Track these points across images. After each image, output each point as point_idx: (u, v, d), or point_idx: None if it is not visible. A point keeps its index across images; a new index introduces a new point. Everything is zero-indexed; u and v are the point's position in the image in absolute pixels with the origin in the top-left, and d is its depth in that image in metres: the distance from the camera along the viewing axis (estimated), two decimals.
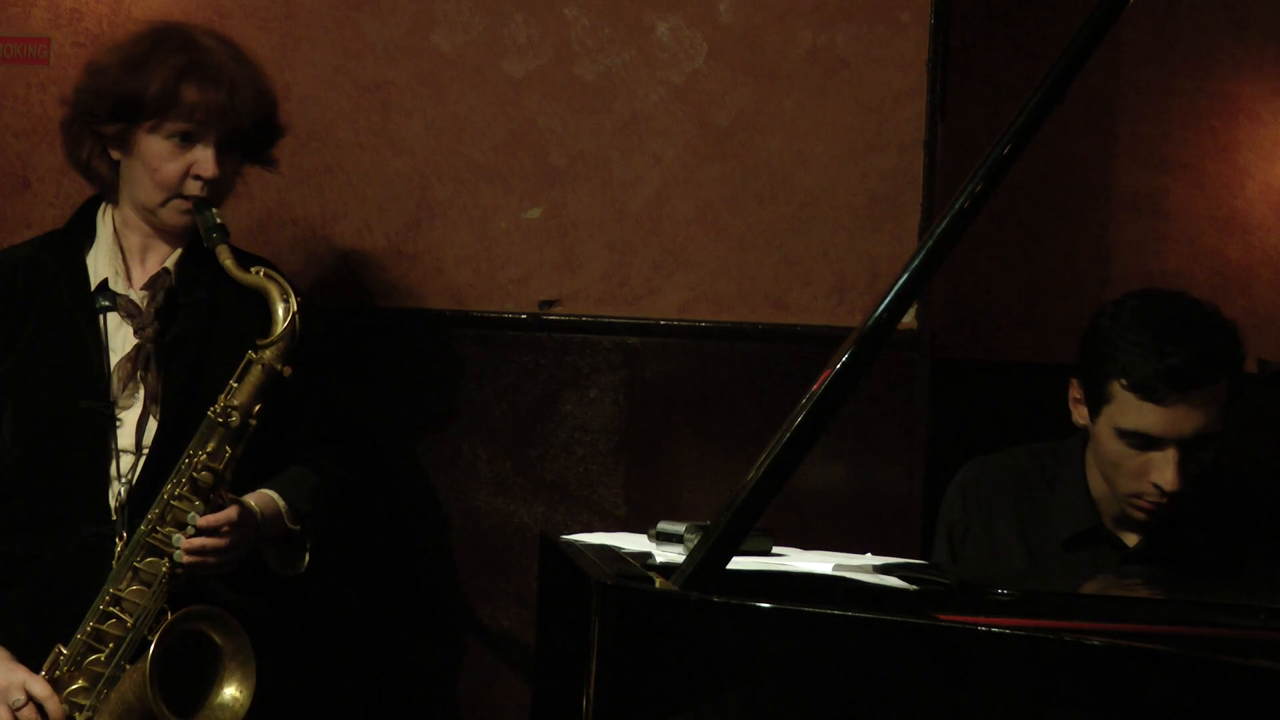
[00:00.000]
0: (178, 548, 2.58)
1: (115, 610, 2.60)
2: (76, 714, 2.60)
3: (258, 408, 2.66)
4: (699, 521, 2.27)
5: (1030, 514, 2.81)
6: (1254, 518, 2.80)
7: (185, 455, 2.62)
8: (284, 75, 3.26)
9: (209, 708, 2.58)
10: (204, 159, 2.73)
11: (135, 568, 2.60)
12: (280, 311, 2.68)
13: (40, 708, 2.57)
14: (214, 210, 2.73)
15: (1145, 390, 2.58)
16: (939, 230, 2.02)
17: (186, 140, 2.73)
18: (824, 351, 2.08)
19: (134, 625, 2.60)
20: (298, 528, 2.78)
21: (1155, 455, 2.61)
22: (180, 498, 2.60)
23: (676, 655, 1.90)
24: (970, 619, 1.92)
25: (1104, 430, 2.66)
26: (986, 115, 3.71)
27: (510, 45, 3.26)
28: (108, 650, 2.60)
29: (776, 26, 3.20)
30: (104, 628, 2.60)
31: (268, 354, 2.66)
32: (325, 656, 3.27)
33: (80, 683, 2.60)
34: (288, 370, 2.67)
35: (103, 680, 2.59)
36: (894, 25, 3.17)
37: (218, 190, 2.77)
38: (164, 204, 2.75)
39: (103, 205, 2.84)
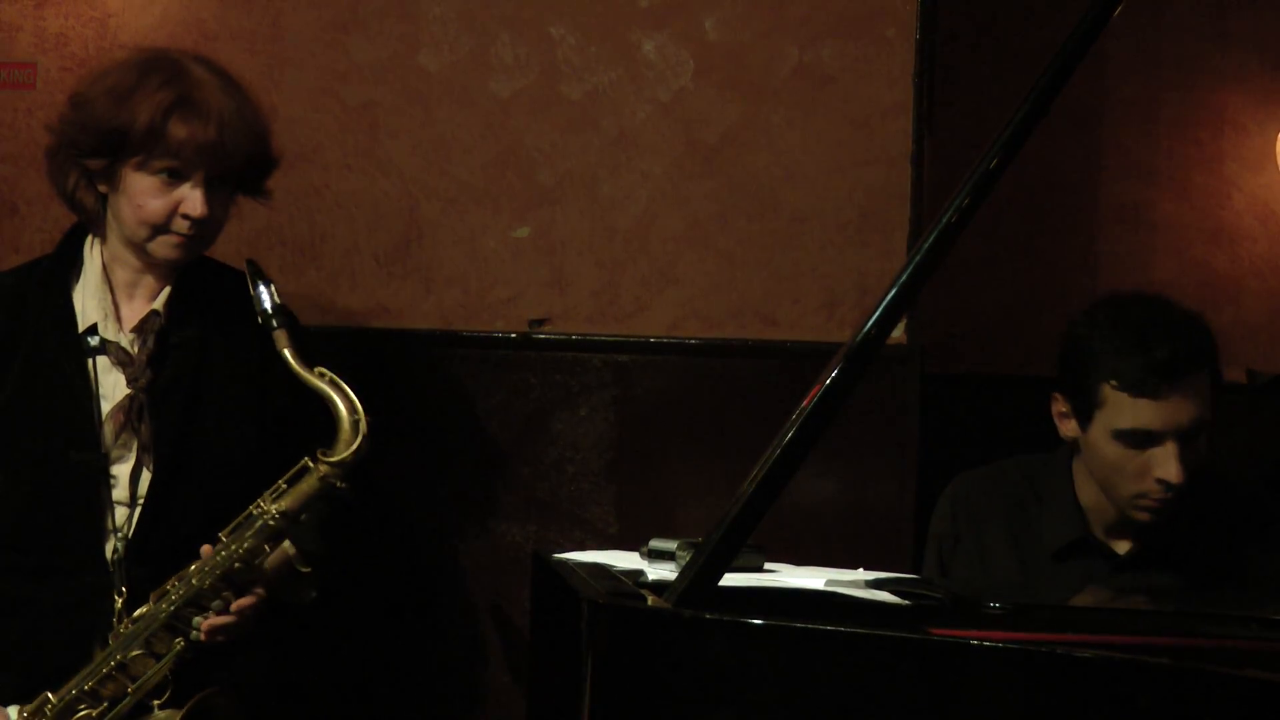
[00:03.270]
0: (197, 629, 2.53)
1: (118, 674, 2.55)
2: None
3: (304, 516, 2.58)
4: (691, 538, 2.27)
5: (1021, 526, 2.82)
6: (1243, 523, 2.80)
7: (220, 542, 2.55)
8: (271, 97, 3.26)
9: None
10: (192, 198, 2.62)
11: (148, 637, 2.54)
12: (347, 427, 2.55)
13: None
14: (273, 287, 2.62)
15: (1138, 387, 2.61)
16: (927, 244, 2.03)
17: (174, 177, 2.62)
18: (814, 367, 2.08)
19: (134, 690, 2.55)
20: (308, 570, 2.73)
21: (1156, 451, 2.64)
22: (210, 586, 2.54)
23: (669, 672, 1.90)
24: (963, 633, 1.92)
25: (1099, 437, 2.67)
26: (973, 129, 3.71)
27: (497, 65, 3.26)
28: (100, 709, 2.55)
29: (763, 43, 3.21)
30: (103, 687, 2.55)
31: (325, 469, 2.55)
32: (316, 677, 3.26)
33: None
34: (345, 487, 2.57)
35: None
36: (880, 41, 3.17)
37: (207, 229, 2.68)
38: (150, 239, 2.65)
39: (89, 238, 2.75)
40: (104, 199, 2.70)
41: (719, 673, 1.89)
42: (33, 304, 2.71)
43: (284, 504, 2.56)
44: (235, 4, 3.29)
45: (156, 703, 2.55)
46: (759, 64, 3.21)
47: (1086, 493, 2.77)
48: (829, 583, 2.31)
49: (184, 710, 2.53)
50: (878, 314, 2.01)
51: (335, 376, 2.59)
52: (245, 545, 2.55)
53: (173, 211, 2.64)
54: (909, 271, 2.03)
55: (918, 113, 3.17)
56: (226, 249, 2.91)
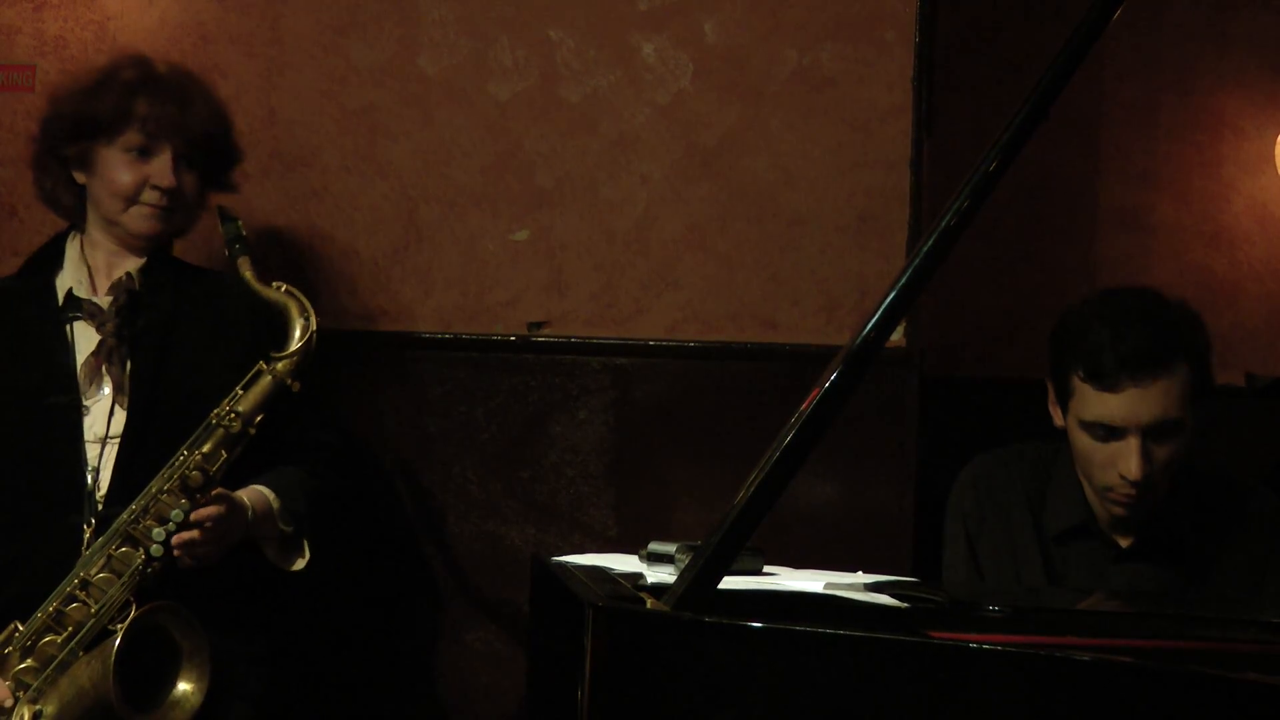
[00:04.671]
0: (156, 541, 2.61)
1: (81, 595, 2.61)
2: (20, 691, 2.59)
3: (260, 417, 2.74)
4: (690, 541, 2.27)
5: (1037, 506, 2.83)
6: (1243, 516, 2.80)
7: (179, 453, 2.67)
8: (270, 100, 3.26)
9: (164, 704, 2.57)
10: (160, 169, 2.83)
11: (109, 555, 2.61)
12: (298, 328, 2.79)
13: None
14: (239, 223, 2.86)
15: (1099, 379, 2.62)
16: (926, 247, 2.03)
17: (143, 154, 2.84)
18: (813, 370, 2.08)
19: (97, 612, 2.61)
20: (290, 529, 2.81)
21: (1119, 445, 2.64)
22: (168, 493, 2.64)
23: (668, 676, 1.90)
24: (962, 636, 1.92)
25: (1072, 425, 2.70)
26: (972, 132, 3.71)
27: (496, 68, 3.26)
28: (65, 634, 2.61)
29: (762, 46, 3.21)
30: (66, 610, 2.61)
31: (280, 366, 2.76)
32: (316, 679, 3.26)
33: (29, 662, 2.60)
34: (297, 385, 2.77)
35: (55, 663, 2.59)
36: (879, 44, 3.18)
37: (177, 202, 2.86)
38: (125, 211, 2.84)
39: (70, 235, 2.93)
40: (82, 195, 2.90)
41: (718, 676, 1.89)
42: (17, 294, 2.90)
43: (241, 405, 2.72)
44: (234, 7, 3.30)
45: (119, 626, 2.57)
46: (758, 67, 3.21)
47: (1088, 483, 2.79)
48: (828, 586, 2.31)
49: (128, 620, 2.55)
50: (877, 317, 2.01)
51: (291, 288, 2.83)
52: (203, 450, 2.67)
53: (143, 184, 2.84)
54: (908, 274, 2.03)
55: (917, 116, 3.18)
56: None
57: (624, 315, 3.24)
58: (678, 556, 2.30)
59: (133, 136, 2.83)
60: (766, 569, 2.42)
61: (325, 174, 3.29)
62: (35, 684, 2.59)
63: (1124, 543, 2.78)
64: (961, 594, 2.34)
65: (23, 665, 2.60)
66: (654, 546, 2.40)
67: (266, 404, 2.75)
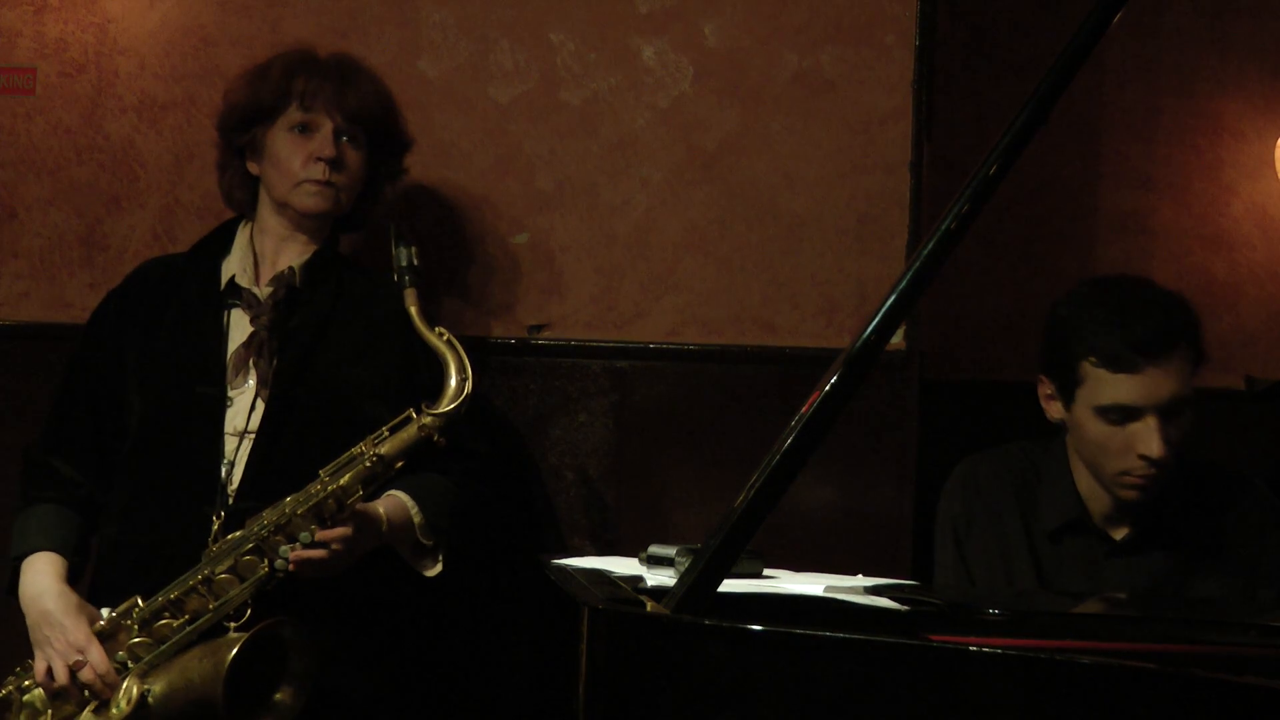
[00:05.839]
0: (282, 557, 2.64)
1: (203, 589, 2.67)
2: (131, 662, 2.68)
3: (400, 464, 2.73)
4: (690, 544, 2.27)
5: (1027, 505, 2.83)
6: (1238, 508, 2.81)
7: (320, 478, 2.68)
8: None
9: (263, 711, 2.66)
10: (322, 141, 2.88)
11: (237, 559, 2.65)
12: (454, 384, 2.74)
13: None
14: (414, 250, 2.84)
15: (1117, 363, 2.64)
16: (926, 251, 2.03)
17: (305, 130, 2.89)
18: (813, 373, 2.08)
19: (215, 608, 2.67)
20: (430, 543, 2.83)
21: (1137, 427, 2.66)
22: (302, 516, 2.65)
23: (668, 679, 1.90)
24: (961, 639, 1.92)
25: (1083, 414, 2.70)
26: (972, 136, 3.72)
27: (496, 71, 3.26)
28: (182, 620, 2.68)
29: (762, 49, 3.21)
30: (186, 599, 2.67)
31: (429, 420, 2.72)
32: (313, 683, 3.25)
33: (143, 638, 2.68)
34: (443, 442, 2.74)
35: (169, 644, 2.67)
36: (879, 47, 3.18)
37: (342, 177, 2.90)
38: (294, 189, 2.89)
39: (242, 223, 3.00)
40: (255, 186, 2.97)
41: (717, 679, 1.89)
42: (186, 272, 2.96)
43: (384, 449, 2.71)
44: (235, 9, 3.30)
45: (233, 625, 2.66)
46: (758, 70, 3.21)
47: (1083, 477, 2.79)
48: (828, 589, 2.31)
49: (252, 632, 2.63)
50: (877, 320, 2.01)
51: (453, 338, 2.79)
52: (341, 482, 2.68)
53: (307, 159, 2.89)
54: (908, 278, 2.03)
55: (917, 119, 3.18)
56: None
57: (624, 318, 3.24)
58: (678, 559, 2.30)
59: (294, 114, 2.89)
60: (766, 572, 2.42)
61: None
62: (147, 658, 2.68)
63: (1118, 535, 2.79)
64: (961, 597, 2.34)
65: (138, 639, 2.68)
66: (654, 549, 2.40)
67: (408, 452, 2.73)
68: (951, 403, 3.72)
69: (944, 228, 2.02)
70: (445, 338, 2.78)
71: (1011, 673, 1.84)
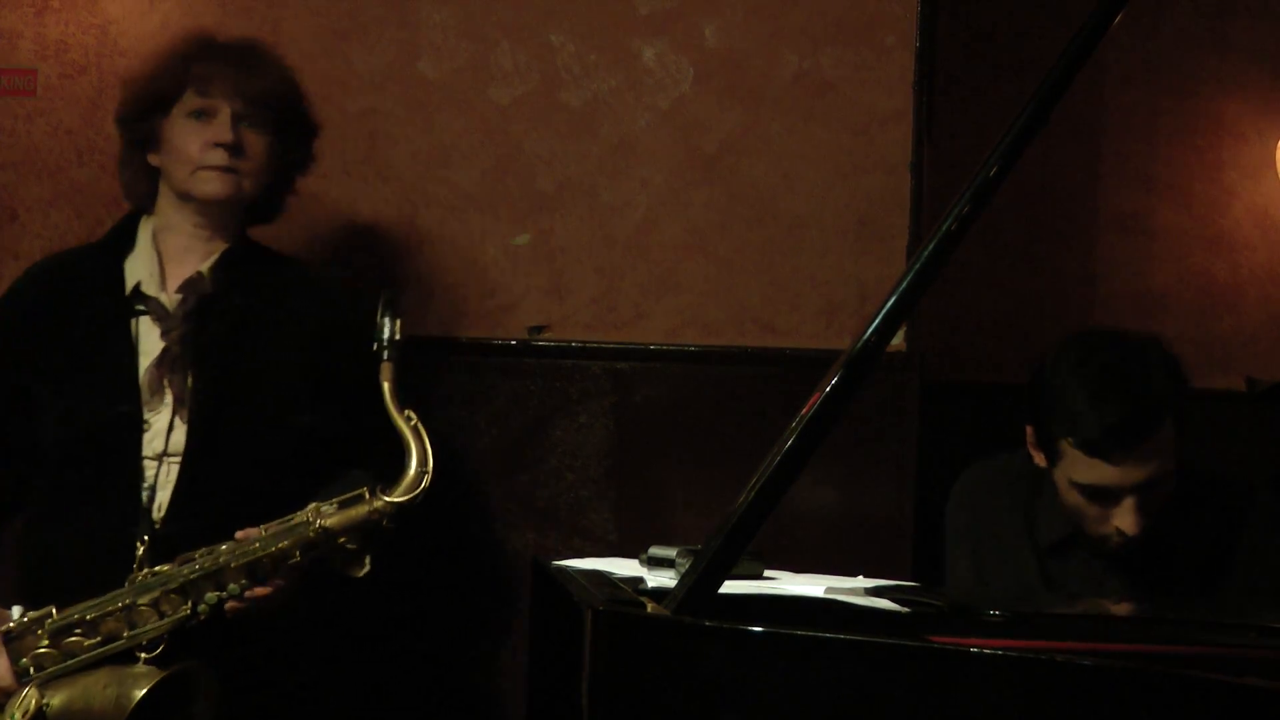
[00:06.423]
0: (207, 604, 2.58)
1: (121, 616, 2.59)
2: (34, 670, 2.60)
3: (343, 540, 2.62)
4: (690, 545, 2.27)
5: (1031, 515, 2.83)
6: (1238, 518, 2.80)
7: (259, 538, 2.60)
8: None
9: None
10: (220, 127, 2.77)
11: (160, 595, 2.58)
12: (413, 474, 2.62)
13: None
14: (399, 323, 2.69)
15: (1093, 450, 2.60)
16: (927, 252, 2.03)
17: (203, 116, 2.79)
18: (813, 374, 2.07)
19: (130, 636, 2.59)
20: (355, 546, 2.73)
21: (1113, 507, 2.64)
22: (234, 570, 2.58)
23: (668, 680, 1.90)
24: (962, 640, 1.92)
25: (1062, 481, 2.69)
26: (973, 137, 3.71)
27: (497, 72, 3.26)
28: (94, 640, 2.59)
29: (762, 50, 3.21)
30: (102, 621, 2.60)
31: (380, 505, 2.60)
32: (313, 686, 3.25)
33: (50, 649, 2.60)
34: (391, 529, 2.63)
35: (75, 660, 2.59)
36: (879, 48, 3.18)
37: (242, 163, 2.79)
38: (192, 175, 2.78)
39: (143, 217, 2.88)
40: (156, 177, 2.84)
41: (718, 680, 1.89)
42: (87, 275, 2.84)
43: (329, 522, 2.60)
44: (235, 11, 3.30)
45: (144, 655, 2.58)
46: (758, 71, 3.21)
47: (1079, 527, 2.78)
48: (829, 590, 2.31)
49: (165, 673, 2.55)
50: (877, 321, 2.01)
51: (420, 425, 2.66)
52: (280, 545, 2.60)
53: (204, 145, 2.78)
54: (909, 279, 2.03)
55: (917, 120, 3.18)
56: None
57: (624, 319, 3.24)
58: (678, 561, 2.30)
59: (191, 100, 2.80)
60: (767, 573, 2.42)
61: (325, 178, 3.29)
62: (50, 669, 2.59)
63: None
64: (962, 598, 2.34)
65: (45, 649, 2.61)
66: (654, 551, 2.40)
67: (353, 530, 2.62)
68: (952, 404, 3.72)
69: (944, 229, 2.02)
70: (413, 423, 2.65)
71: (1012, 674, 1.84)
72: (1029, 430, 2.76)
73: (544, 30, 3.25)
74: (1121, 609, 2.67)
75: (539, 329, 3.26)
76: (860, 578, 2.47)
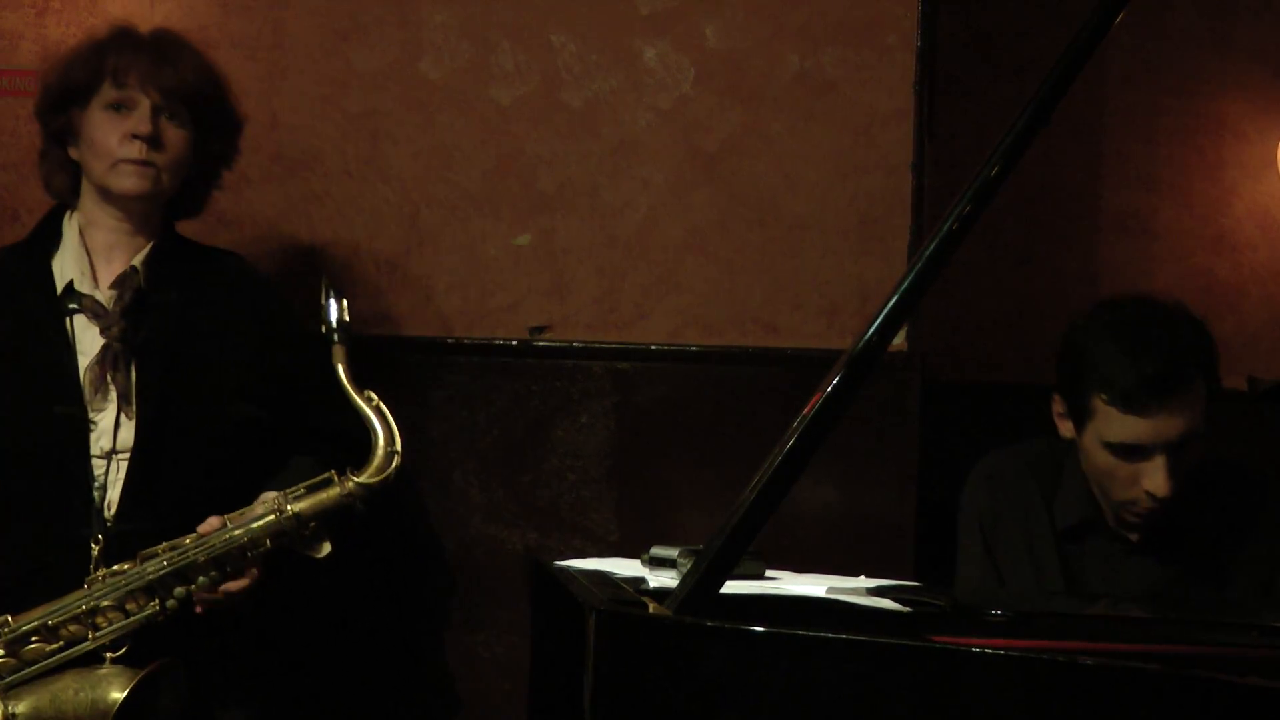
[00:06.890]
0: (176, 599, 2.57)
1: (84, 619, 2.57)
2: None
3: (314, 524, 2.63)
4: (692, 546, 2.27)
5: (1050, 501, 2.83)
6: (1254, 510, 2.81)
7: (224, 529, 2.60)
8: (272, 104, 3.26)
9: None
10: (139, 119, 2.73)
11: (126, 594, 2.57)
12: (381, 455, 2.65)
13: None
14: (345, 304, 2.70)
15: (1128, 403, 2.61)
16: (928, 252, 2.03)
17: (121, 108, 2.74)
18: (815, 374, 2.08)
19: (95, 639, 2.57)
20: (308, 531, 2.73)
21: (1145, 464, 2.64)
22: (202, 564, 2.58)
23: (670, 680, 1.90)
24: (964, 640, 1.92)
25: (1091, 443, 2.69)
26: (974, 137, 3.72)
27: (498, 72, 3.26)
28: (56, 645, 2.58)
29: (763, 50, 3.21)
30: (65, 626, 2.58)
31: (352, 486, 2.63)
32: (314, 684, 3.26)
33: (8, 658, 2.57)
34: (363, 509, 2.64)
35: (36, 667, 2.57)
36: (880, 48, 3.18)
37: (162, 157, 2.75)
38: (111, 169, 2.73)
39: (67, 213, 2.83)
40: (78, 173, 2.80)
41: (720, 680, 1.89)
42: (14, 275, 2.79)
43: (300, 506, 2.62)
44: (236, 11, 3.30)
45: (110, 655, 2.57)
46: (759, 71, 3.21)
47: (1105, 496, 2.79)
48: (830, 590, 2.31)
49: (141, 673, 2.53)
50: (879, 321, 2.01)
51: (381, 404, 2.67)
52: (248, 535, 2.60)
53: (123, 139, 2.73)
54: (910, 279, 2.03)
55: (918, 120, 3.18)
56: None
57: (625, 319, 3.24)
58: (680, 561, 2.30)
59: (108, 92, 2.74)
60: (768, 573, 2.42)
61: (326, 178, 3.29)
62: (10, 678, 2.57)
63: (1133, 537, 2.79)
64: (971, 590, 2.34)
65: (1, 659, 2.57)
66: (656, 551, 2.40)
67: (325, 515, 2.63)
68: (953, 403, 3.72)
69: (946, 229, 2.02)
70: (375, 404, 2.67)
71: (1014, 674, 1.84)
72: (1055, 400, 2.77)
73: (545, 30, 3.25)
74: (1125, 603, 2.68)
75: (540, 329, 3.26)
76: (862, 577, 2.47)
